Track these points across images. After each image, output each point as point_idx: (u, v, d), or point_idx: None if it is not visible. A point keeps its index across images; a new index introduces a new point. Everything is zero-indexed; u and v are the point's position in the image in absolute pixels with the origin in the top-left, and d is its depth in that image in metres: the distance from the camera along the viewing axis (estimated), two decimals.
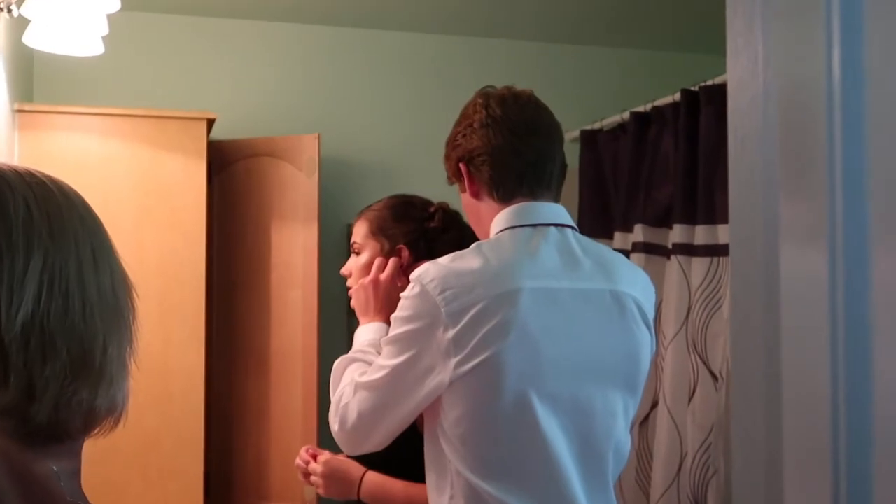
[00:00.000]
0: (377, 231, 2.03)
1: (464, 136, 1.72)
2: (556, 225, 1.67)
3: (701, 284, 2.96)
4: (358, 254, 2.06)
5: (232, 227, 3.38)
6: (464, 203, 1.79)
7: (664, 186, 3.23)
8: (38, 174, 0.95)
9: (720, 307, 2.91)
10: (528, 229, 1.64)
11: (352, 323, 3.59)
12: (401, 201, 2.09)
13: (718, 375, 2.86)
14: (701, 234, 2.99)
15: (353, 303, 2.02)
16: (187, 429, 2.98)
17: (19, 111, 2.89)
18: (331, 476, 1.94)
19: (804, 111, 0.73)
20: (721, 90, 2.90)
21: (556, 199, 1.73)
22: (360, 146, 3.83)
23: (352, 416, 1.66)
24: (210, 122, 3.08)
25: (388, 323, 1.85)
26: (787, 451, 0.73)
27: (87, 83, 3.46)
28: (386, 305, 1.93)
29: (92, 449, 1.00)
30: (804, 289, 0.72)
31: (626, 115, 3.48)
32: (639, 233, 3.29)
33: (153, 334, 2.86)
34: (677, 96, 3.16)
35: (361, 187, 3.71)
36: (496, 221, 1.68)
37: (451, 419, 1.58)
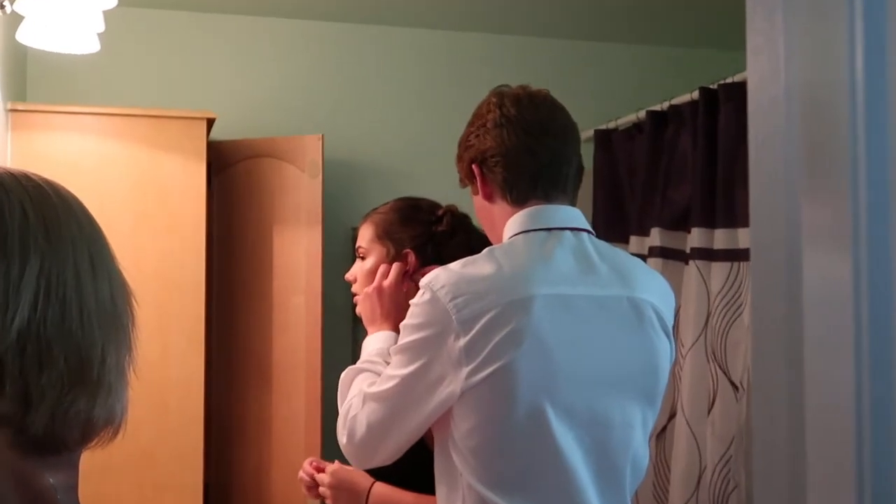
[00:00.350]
0: (383, 235, 2.04)
1: (477, 136, 1.72)
2: (571, 229, 1.67)
3: (720, 290, 2.96)
4: (363, 258, 2.06)
5: (232, 231, 3.39)
6: (476, 206, 1.79)
7: (682, 188, 3.22)
8: (34, 177, 0.96)
9: (741, 314, 2.91)
10: (542, 233, 1.64)
11: (357, 330, 3.61)
12: (408, 204, 2.09)
13: (739, 385, 2.86)
14: (720, 238, 2.98)
15: (358, 311, 2.02)
16: (185, 441, 2.98)
17: (12, 111, 2.90)
18: (338, 487, 1.95)
19: (827, 111, 0.73)
20: (741, 88, 2.90)
21: (572, 203, 1.73)
22: (365, 147, 3.83)
23: (361, 428, 1.67)
24: (210, 122, 3.09)
25: (396, 330, 1.86)
26: (811, 464, 0.74)
27: (82, 82, 3.47)
28: (392, 312, 1.93)
29: (84, 462, 1.00)
30: (828, 295, 0.73)
31: (642, 114, 3.48)
32: (655, 236, 3.28)
33: (150, 342, 2.87)
34: (695, 94, 3.15)
35: (366, 190, 3.72)
36: (509, 225, 1.68)
37: (462, 431, 1.58)
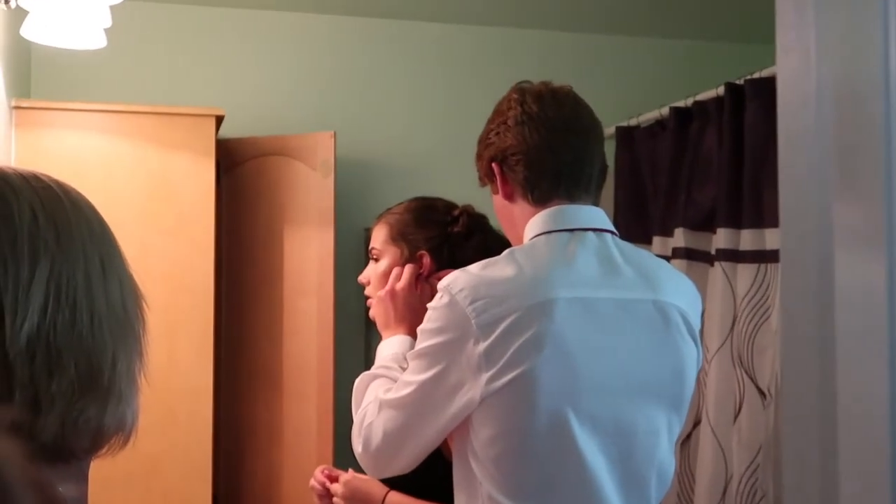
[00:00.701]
0: (397, 236, 2.04)
1: (497, 133, 1.73)
2: (594, 230, 1.67)
3: (747, 293, 2.95)
4: (377, 260, 2.07)
5: (241, 231, 3.40)
6: (496, 206, 1.79)
7: (707, 187, 3.22)
8: (44, 178, 0.96)
9: (768, 317, 2.90)
10: (564, 234, 1.65)
11: (370, 335, 3.62)
12: (423, 204, 2.10)
13: (766, 392, 2.85)
14: (747, 239, 2.98)
15: (371, 314, 2.03)
16: (193, 450, 2.99)
17: (16, 108, 2.92)
18: (352, 497, 1.95)
19: (859, 109, 0.73)
20: (768, 83, 2.90)
21: (596, 203, 1.73)
22: (379, 145, 3.84)
23: (376, 436, 1.67)
24: (219, 120, 3.11)
25: (411, 334, 1.86)
26: (844, 474, 0.74)
27: (87, 78, 3.48)
28: (407, 316, 1.94)
29: (89, 472, 1.01)
30: (861, 298, 0.73)
31: (666, 110, 3.48)
32: (679, 237, 3.28)
33: (157, 348, 2.85)
34: (721, 90, 3.15)
35: (380, 189, 3.72)
36: (530, 226, 1.68)
37: (482, 439, 1.58)
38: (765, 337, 2.90)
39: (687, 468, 3.21)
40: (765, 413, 2.85)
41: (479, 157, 1.79)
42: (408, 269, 1.99)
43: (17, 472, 0.65)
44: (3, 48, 2.75)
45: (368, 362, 1.93)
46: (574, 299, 1.57)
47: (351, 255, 3.61)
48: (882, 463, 0.70)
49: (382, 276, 2.03)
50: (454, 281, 1.58)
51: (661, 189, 3.49)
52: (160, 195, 3.00)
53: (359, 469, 1.85)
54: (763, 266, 2.94)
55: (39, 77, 3.47)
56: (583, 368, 1.56)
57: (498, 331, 1.53)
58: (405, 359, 1.76)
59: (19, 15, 2.59)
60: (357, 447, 1.72)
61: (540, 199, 1.69)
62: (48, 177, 0.97)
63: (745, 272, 2.98)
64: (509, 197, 1.73)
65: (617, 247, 1.68)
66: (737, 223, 3.03)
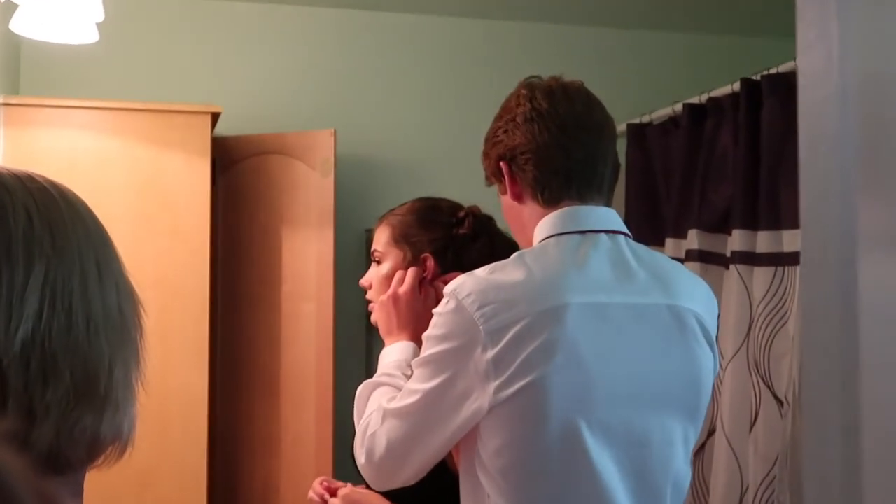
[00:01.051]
0: (400, 238, 2.05)
1: (505, 131, 1.72)
2: (607, 231, 1.67)
3: (764, 297, 2.95)
4: (379, 263, 2.07)
5: (238, 233, 3.40)
6: (504, 206, 1.79)
7: (722, 187, 3.22)
8: (38, 179, 0.96)
9: (786, 323, 2.90)
10: (576, 237, 1.65)
11: (372, 340, 3.62)
12: (427, 205, 2.10)
13: (784, 400, 2.85)
14: (764, 241, 2.98)
15: (373, 319, 2.03)
16: (188, 459, 2.99)
17: (4, 105, 2.92)
18: None
19: (885, 108, 0.73)
20: (786, 79, 2.90)
21: (608, 203, 1.73)
22: (381, 143, 3.84)
23: (380, 446, 1.67)
24: (214, 117, 3.11)
25: (415, 340, 1.86)
26: (867, 487, 0.74)
27: (79, 74, 3.49)
28: (410, 321, 1.94)
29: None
30: (886, 304, 0.73)
31: (679, 106, 3.48)
32: (693, 239, 3.28)
33: (150, 353, 2.87)
34: (736, 86, 3.15)
35: (382, 189, 3.73)
36: (540, 228, 1.68)
37: (490, 450, 1.58)
38: (782, 343, 2.90)
39: (701, 479, 3.21)
40: (782, 422, 2.85)
41: (485, 155, 1.79)
42: (411, 272, 1.99)
43: (24, 484, 0.66)
44: None
45: (369, 369, 1.93)
46: (586, 304, 1.57)
47: (352, 258, 3.62)
48: None
49: (385, 279, 2.03)
50: (461, 285, 1.58)
51: (674, 189, 3.49)
52: (153, 195, 3.00)
53: (359, 480, 1.85)
54: (780, 269, 2.94)
55: (29, 73, 3.47)
56: (595, 377, 1.56)
57: (507, 338, 1.53)
58: (409, 366, 1.76)
59: (8, 9, 2.60)
60: (360, 458, 1.72)
61: (550, 199, 1.69)
62: (43, 177, 0.97)
63: (761, 275, 2.97)
64: (518, 197, 1.73)
65: (630, 249, 1.68)
66: (753, 224, 3.03)
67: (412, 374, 1.68)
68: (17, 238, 0.91)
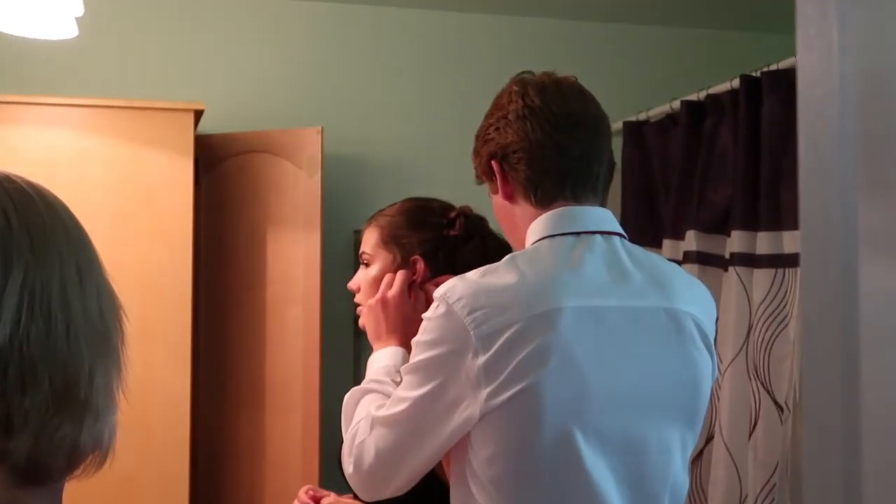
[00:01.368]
0: (389, 240, 2.04)
1: (496, 129, 1.72)
2: (602, 233, 1.67)
3: (763, 300, 2.96)
4: (367, 265, 2.07)
5: (222, 233, 3.40)
6: (495, 206, 1.79)
7: (721, 186, 3.23)
8: (16, 179, 0.96)
9: (786, 326, 2.91)
10: (570, 238, 1.64)
11: (360, 345, 3.62)
12: (417, 206, 2.10)
13: (784, 405, 2.86)
14: (763, 242, 2.99)
15: (361, 323, 2.03)
16: (170, 466, 2.99)
17: None
18: None
19: (886, 106, 0.74)
20: (787, 75, 2.91)
21: (602, 203, 1.73)
22: (369, 141, 3.84)
23: (368, 455, 1.66)
24: (197, 114, 3.11)
25: (404, 346, 1.86)
26: (869, 496, 0.74)
27: (57, 70, 3.49)
28: (400, 326, 1.94)
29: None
30: (889, 307, 0.73)
31: (677, 104, 3.49)
32: (691, 240, 3.29)
33: (132, 358, 2.87)
34: (736, 82, 3.16)
35: (371, 189, 3.73)
36: (533, 229, 1.68)
37: (482, 458, 1.58)
38: (782, 346, 2.91)
39: (699, 487, 3.22)
40: (782, 428, 2.85)
41: (476, 153, 1.79)
42: (400, 275, 1.99)
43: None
44: None
45: (357, 374, 1.93)
46: (581, 308, 1.56)
47: (339, 260, 3.62)
48: None
49: (373, 282, 2.03)
50: (451, 289, 1.58)
51: (671, 189, 3.50)
52: (135, 195, 3.00)
53: (346, 490, 1.85)
54: (780, 271, 2.94)
55: (5, 69, 3.46)
56: (591, 382, 1.55)
57: (499, 343, 1.52)
58: (398, 372, 1.76)
59: None
60: (347, 467, 1.71)
61: (543, 199, 1.68)
62: (21, 178, 0.97)
63: (761, 277, 2.98)
64: (510, 197, 1.72)
65: (626, 251, 1.68)
66: (753, 225, 3.03)
67: (401, 380, 1.68)
68: None
